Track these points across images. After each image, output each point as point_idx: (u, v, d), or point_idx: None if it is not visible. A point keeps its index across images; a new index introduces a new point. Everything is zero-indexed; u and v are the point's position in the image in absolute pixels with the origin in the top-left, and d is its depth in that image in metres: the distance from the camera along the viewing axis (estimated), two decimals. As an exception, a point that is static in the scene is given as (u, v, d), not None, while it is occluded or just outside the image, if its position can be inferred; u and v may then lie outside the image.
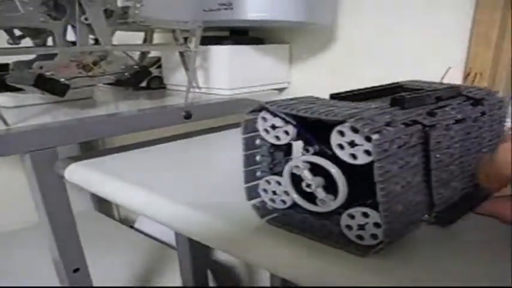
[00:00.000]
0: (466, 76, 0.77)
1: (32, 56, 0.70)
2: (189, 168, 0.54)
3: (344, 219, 0.32)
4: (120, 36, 0.94)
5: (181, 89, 0.93)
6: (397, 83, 0.46)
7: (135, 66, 0.74)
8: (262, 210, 0.37)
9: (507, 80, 0.76)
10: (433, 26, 0.80)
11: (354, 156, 0.29)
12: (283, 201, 0.36)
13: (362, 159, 0.28)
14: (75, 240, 0.69)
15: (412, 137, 0.29)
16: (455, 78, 0.76)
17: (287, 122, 0.33)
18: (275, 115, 0.33)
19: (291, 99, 0.34)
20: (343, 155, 0.29)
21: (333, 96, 0.38)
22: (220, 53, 0.87)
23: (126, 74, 0.73)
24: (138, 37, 0.86)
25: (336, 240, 0.32)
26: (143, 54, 0.86)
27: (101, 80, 0.72)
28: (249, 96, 0.91)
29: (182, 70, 0.87)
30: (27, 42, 0.72)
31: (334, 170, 0.30)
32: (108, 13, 0.66)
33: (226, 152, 0.62)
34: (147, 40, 0.85)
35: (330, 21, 0.91)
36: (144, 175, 0.51)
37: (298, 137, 0.34)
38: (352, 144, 0.28)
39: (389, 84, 0.45)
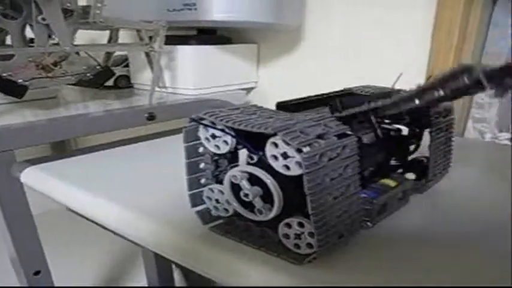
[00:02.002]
0: (428, 78, 0.78)
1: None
2: (143, 173, 0.54)
3: (281, 228, 0.32)
4: (89, 35, 0.93)
5: (148, 88, 0.93)
6: (349, 89, 0.47)
7: (98, 67, 0.73)
8: (205, 217, 0.37)
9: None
10: (397, 28, 0.81)
11: (287, 167, 0.29)
12: (226, 210, 0.36)
13: (294, 171, 0.29)
14: (35, 243, 0.68)
15: (345, 149, 0.29)
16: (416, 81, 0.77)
17: (226, 133, 0.33)
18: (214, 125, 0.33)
19: (234, 109, 0.34)
20: (277, 166, 0.30)
21: (280, 105, 0.38)
22: (185, 53, 0.86)
23: (88, 74, 0.73)
24: (106, 36, 0.86)
25: (274, 248, 0.32)
26: (108, 54, 0.85)
27: (62, 81, 0.71)
28: (215, 96, 0.91)
29: (149, 69, 0.86)
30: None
31: (269, 180, 0.31)
32: (68, 13, 0.65)
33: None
34: (112, 39, 0.84)
35: (297, 23, 0.91)
36: (96, 180, 0.51)
37: (240, 146, 0.35)
38: (285, 155, 0.29)
39: (339, 91, 0.46)
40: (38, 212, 0.68)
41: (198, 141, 0.36)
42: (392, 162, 0.44)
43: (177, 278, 1.17)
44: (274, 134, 0.28)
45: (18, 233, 0.65)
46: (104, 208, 0.44)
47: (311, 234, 0.30)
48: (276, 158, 0.29)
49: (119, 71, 0.99)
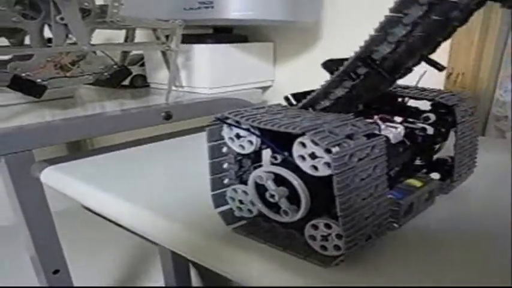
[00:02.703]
0: (448, 76, 0.77)
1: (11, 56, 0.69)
2: (162, 173, 0.54)
3: (308, 230, 0.31)
4: (105, 35, 0.93)
5: (164, 87, 0.92)
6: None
7: (115, 66, 0.73)
8: (229, 217, 0.37)
9: (489, 80, 0.76)
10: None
11: (315, 167, 0.29)
12: (250, 211, 0.36)
13: (323, 171, 0.28)
14: (54, 242, 0.68)
15: (373, 149, 0.29)
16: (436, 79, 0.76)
17: (251, 132, 0.32)
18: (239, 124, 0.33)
19: (258, 108, 0.34)
20: (305, 166, 0.29)
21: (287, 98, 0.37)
22: (202, 52, 0.86)
23: (105, 74, 0.73)
24: (123, 36, 0.86)
25: (300, 250, 0.32)
26: (125, 53, 0.85)
27: (80, 81, 0.71)
28: (232, 96, 0.90)
29: (165, 68, 0.86)
30: (4, 41, 0.71)
31: (296, 182, 0.30)
32: (85, 12, 0.65)
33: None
34: (129, 39, 0.84)
35: (314, 20, 0.90)
36: (114, 180, 0.51)
37: (264, 145, 0.34)
38: (313, 156, 0.28)
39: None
40: (53, 210, 0.69)
41: (221, 141, 0.35)
42: (417, 162, 0.44)
43: (194, 277, 1.17)
44: (302, 134, 0.28)
45: (38, 232, 0.66)
46: (125, 209, 0.44)
47: (338, 236, 0.30)
48: (303, 158, 0.29)
49: (135, 70, 0.99)
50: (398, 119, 0.45)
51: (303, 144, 0.28)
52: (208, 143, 0.35)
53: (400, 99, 0.46)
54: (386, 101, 0.46)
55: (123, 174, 0.54)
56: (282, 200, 0.32)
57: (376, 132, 0.30)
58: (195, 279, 1.17)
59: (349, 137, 0.28)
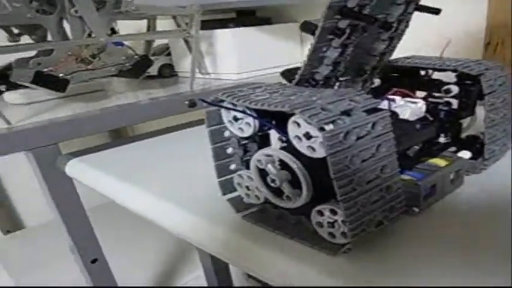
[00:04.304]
0: (486, 45, 0.71)
1: (34, 52, 0.70)
2: (182, 163, 0.52)
3: (314, 216, 0.29)
4: (135, 25, 0.93)
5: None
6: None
7: (136, 56, 0.73)
8: (238, 204, 0.35)
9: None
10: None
11: (312, 148, 0.26)
12: (257, 197, 0.34)
13: (319, 153, 0.26)
14: (89, 232, 0.69)
15: (376, 126, 0.26)
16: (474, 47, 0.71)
17: (248, 114, 0.30)
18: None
19: (256, 88, 0.32)
20: (302, 148, 0.27)
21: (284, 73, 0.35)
22: (225, 37, 0.84)
23: (127, 64, 0.72)
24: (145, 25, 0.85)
25: (308, 238, 0.30)
26: (148, 43, 0.85)
27: (103, 73, 0.71)
28: (260, 80, 0.88)
29: (190, 56, 0.85)
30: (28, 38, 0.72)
31: (295, 164, 0.28)
32: (100, 4, 0.65)
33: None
34: (150, 28, 0.83)
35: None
36: (135, 171, 0.50)
37: (266, 127, 0.32)
38: (308, 136, 0.26)
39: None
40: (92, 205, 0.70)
41: (222, 125, 0.33)
42: (444, 140, 0.40)
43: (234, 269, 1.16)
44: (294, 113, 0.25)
45: (72, 224, 0.67)
46: (144, 201, 0.43)
47: (345, 222, 0.27)
48: (299, 138, 0.27)
49: (162, 60, 0.99)
50: (421, 93, 0.42)
51: (298, 124, 0.26)
52: (208, 128, 0.33)
53: (423, 72, 0.42)
54: (406, 74, 0.42)
55: (143, 164, 0.53)
56: (284, 185, 0.29)
57: (379, 107, 0.27)
58: (233, 269, 1.16)
59: (346, 113, 0.25)
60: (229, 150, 0.35)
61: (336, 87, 0.36)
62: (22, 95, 0.76)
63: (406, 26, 0.37)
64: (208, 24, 0.85)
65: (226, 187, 0.36)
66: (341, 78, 0.36)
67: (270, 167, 0.30)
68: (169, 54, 1.00)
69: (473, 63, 0.39)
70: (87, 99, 0.78)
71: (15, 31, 0.69)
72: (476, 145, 0.40)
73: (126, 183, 0.47)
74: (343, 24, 0.30)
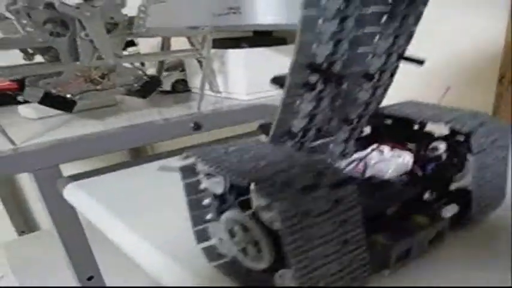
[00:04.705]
0: (500, 79, 0.69)
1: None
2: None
3: (276, 279, 0.29)
4: (151, 42, 0.94)
5: (206, 92, 0.92)
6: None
7: (145, 77, 0.74)
8: (212, 254, 0.35)
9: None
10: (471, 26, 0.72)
11: (272, 220, 0.26)
12: (229, 249, 0.34)
13: (277, 226, 0.25)
14: (85, 250, 0.71)
15: (339, 203, 0.25)
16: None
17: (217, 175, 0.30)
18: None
19: (230, 146, 0.32)
20: (264, 218, 0.27)
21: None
22: (237, 57, 0.84)
23: (135, 85, 0.73)
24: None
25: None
26: (161, 61, 0.86)
27: (112, 93, 0.72)
28: (272, 101, 0.87)
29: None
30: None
31: (255, 231, 0.27)
32: (111, 26, 0.66)
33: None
34: (164, 46, 0.84)
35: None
36: (125, 200, 0.51)
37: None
38: (269, 208, 0.26)
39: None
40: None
41: (198, 177, 0.33)
42: (430, 197, 0.39)
43: None
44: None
45: (70, 241, 0.68)
46: (125, 237, 0.43)
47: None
48: (262, 208, 0.26)
49: (176, 75, 1.00)
50: (412, 145, 0.41)
51: (258, 195, 0.26)
52: (184, 181, 0.33)
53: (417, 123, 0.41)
54: (398, 123, 0.41)
55: (135, 193, 0.53)
56: (249, 247, 0.29)
57: (347, 180, 0.26)
58: None
59: (308, 188, 0.25)
60: (206, 201, 0.35)
61: (317, 140, 0.35)
62: (34, 109, 0.78)
63: (392, 76, 0.37)
64: (224, 42, 0.85)
65: (202, 236, 0.36)
66: (323, 128, 0.35)
67: (236, 229, 0.29)
68: (183, 69, 1.00)
69: (467, 116, 0.37)
70: (97, 115, 0.79)
71: (30, 51, 0.70)
72: (465, 198, 0.38)
73: (114, 219, 0.47)
74: (313, 79, 0.29)
